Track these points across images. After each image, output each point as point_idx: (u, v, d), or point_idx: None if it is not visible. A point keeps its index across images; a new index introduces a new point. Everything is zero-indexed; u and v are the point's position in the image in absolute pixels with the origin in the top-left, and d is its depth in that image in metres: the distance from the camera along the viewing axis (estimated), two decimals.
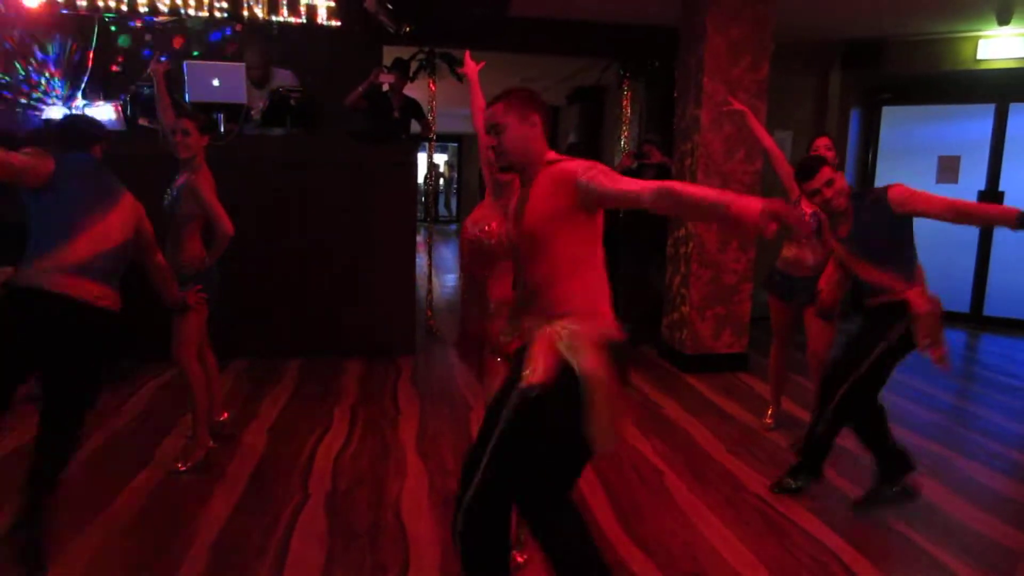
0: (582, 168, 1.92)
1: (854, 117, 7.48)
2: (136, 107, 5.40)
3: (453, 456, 3.79)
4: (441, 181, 19.53)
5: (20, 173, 2.57)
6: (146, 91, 5.44)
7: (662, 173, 5.96)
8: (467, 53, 2.98)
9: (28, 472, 2.60)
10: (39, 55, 5.95)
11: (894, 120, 7.66)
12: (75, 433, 2.75)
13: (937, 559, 2.91)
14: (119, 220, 2.81)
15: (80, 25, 5.99)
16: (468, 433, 4.12)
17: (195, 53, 6.14)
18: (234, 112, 5.22)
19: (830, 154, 3.96)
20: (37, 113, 5.79)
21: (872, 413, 3.24)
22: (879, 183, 7.62)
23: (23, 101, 5.98)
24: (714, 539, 3.02)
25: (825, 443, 3.36)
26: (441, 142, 17.06)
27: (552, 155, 2.06)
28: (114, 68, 6.13)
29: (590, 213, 1.98)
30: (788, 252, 4.05)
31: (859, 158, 7.74)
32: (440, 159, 19.37)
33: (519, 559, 2.73)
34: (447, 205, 20.02)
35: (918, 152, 7.48)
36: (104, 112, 5.54)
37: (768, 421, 4.39)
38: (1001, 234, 7.08)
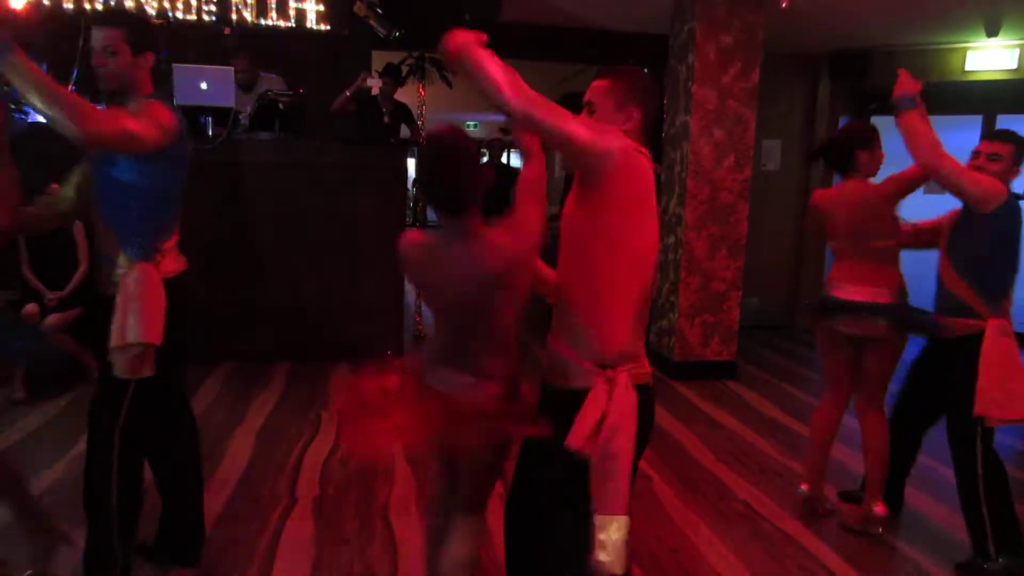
0: None
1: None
2: None
3: None
4: None
5: (140, 140, 2.12)
6: None
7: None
8: None
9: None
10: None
11: (883, 130, 7.63)
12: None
13: (924, 569, 2.92)
14: None
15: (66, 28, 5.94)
16: None
17: None
18: (222, 116, 5.19)
19: None
20: (23, 116, 5.74)
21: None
22: None
23: (12, 106, 5.92)
24: (701, 546, 3.02)
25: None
26: None
27: None
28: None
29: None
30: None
31: None
32: None
33: None
34: None
35: (906, 162, 7.50)
36: None
37: (826, 506, 3.37)
38: None
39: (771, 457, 4.03)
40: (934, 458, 4.09)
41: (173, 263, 2.41)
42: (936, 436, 4.50)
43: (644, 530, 3.12)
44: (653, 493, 3.51)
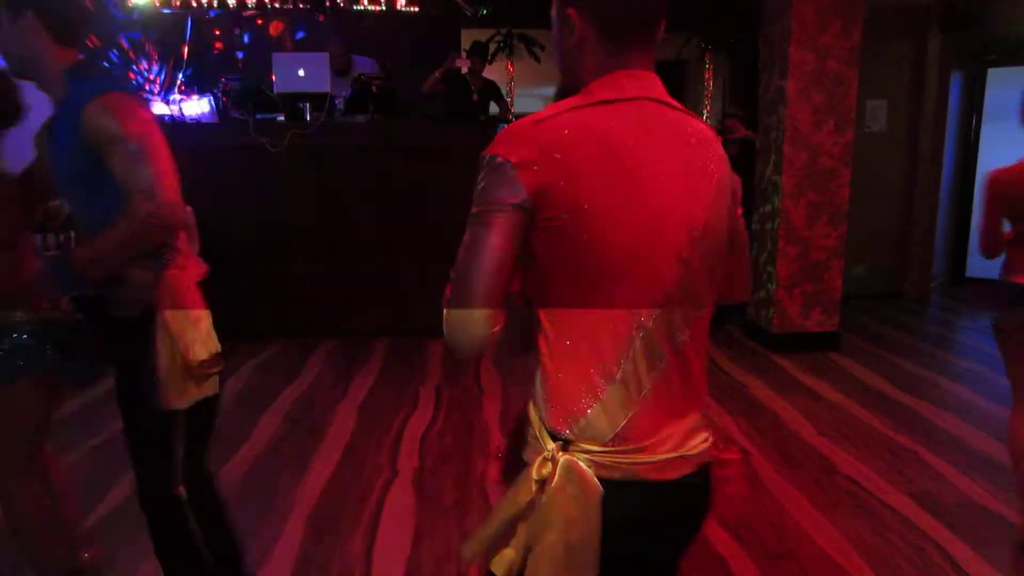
0: None
1: (955, 82, 7.06)
2: (228, 99, 5.63)
3: None
4: None
5: None
6: (238, 84, 5.68)
7: (746, 147, 5.80)
8: None
9: None
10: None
11: (1001, 83, 7.16)
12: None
13: None
14: None
15: (174, 22, 6.29)
16: None
17: None
18: (319, 101, 5.37)
19: None
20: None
21: None
22: (983, 151, 7.21)
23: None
24: (802, 520, 2.96)
25: None
26: None
27: None
28: (217, 47, 6.40)
29: None
30: None
31: (960, 124, 7.31)
32: None
33: None
34: None
35: None
36: (198, 105, 5.80)
37: None
38: None
39: (877, 431, 3.89)
40: None
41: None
42: None
43: (743, 503, 3.09)
44: (751, 466, 3.45)
